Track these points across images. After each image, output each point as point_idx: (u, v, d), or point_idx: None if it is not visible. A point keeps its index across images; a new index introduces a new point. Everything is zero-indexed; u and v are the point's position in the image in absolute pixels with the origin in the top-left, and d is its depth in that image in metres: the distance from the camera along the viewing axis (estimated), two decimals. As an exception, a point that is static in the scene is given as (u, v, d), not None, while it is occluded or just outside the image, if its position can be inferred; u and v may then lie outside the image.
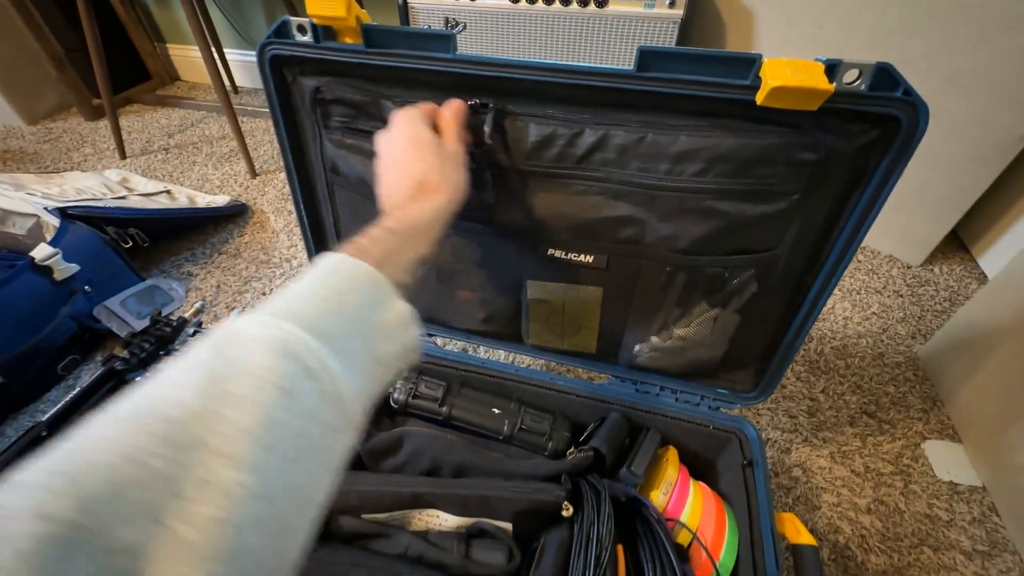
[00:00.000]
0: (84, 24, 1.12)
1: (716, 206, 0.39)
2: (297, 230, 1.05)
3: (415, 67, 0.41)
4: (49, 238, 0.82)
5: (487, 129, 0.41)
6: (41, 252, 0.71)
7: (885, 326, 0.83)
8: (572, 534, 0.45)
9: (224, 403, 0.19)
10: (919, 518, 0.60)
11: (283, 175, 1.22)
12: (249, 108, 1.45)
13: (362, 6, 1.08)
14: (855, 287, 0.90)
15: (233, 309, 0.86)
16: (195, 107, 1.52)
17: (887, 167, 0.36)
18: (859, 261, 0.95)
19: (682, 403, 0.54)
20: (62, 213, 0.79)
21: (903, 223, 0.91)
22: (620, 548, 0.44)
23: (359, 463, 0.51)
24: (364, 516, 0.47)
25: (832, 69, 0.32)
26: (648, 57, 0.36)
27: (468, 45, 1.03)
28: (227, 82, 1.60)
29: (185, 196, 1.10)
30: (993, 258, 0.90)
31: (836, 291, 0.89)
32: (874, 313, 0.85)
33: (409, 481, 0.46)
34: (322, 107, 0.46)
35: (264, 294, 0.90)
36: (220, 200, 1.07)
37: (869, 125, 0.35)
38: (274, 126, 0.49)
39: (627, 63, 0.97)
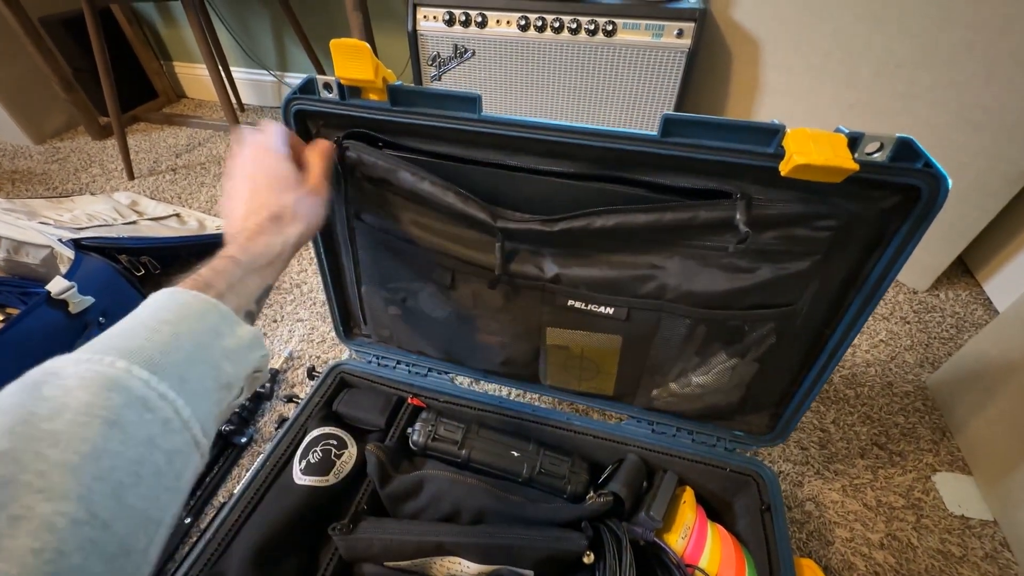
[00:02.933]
0: (94, 46, 1.13)
1: (738, 264, 0.40)
2: (305, 255, 1.05)
3: (439, 125, 0.42)
4: (64, 269, 0.82)
5: None
6: (57, 286, 0.72)
7: (893, 354, 0.84)
8: (593, 582, 0.45)
9: (41, 442, 0.20)
10: (932, 554, 0.60)
11: (291, 196, 1.22)
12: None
13: (372, 35, 1.09)
14: (862, 313, 0.90)
15: (245, 337, 0.86)
16: (202, 125, 1.52)
17: (907, 231, 0.36)
18: (866, 286, 0.96)
19: (698, 444, 0.54)
20: (76, 244, 0.79)
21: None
22: (642, 597, 0.44)
23: (380, 507, 0.52)
24: (387, 564, 0.47)
25: (855, 141, 0.33)
26: (672, 124, 0.36)
27: (477, 71, 1.04)
28: (233, 100, 1.61)
29: (195, 220, 1.10)
30: (998, 284, 0.91)
31: (844, 317, 0.90)
32: (882, 341, 0.86)
33: (432, 529, 0.47)
34: (347, 159, 0.47)
35: (275, 321, 0.90)
36: (230, 224, 1.08)
37: (890, 192, 0.36)
38: (297, 175, 0.49)
39: (635, 92, 0.98)
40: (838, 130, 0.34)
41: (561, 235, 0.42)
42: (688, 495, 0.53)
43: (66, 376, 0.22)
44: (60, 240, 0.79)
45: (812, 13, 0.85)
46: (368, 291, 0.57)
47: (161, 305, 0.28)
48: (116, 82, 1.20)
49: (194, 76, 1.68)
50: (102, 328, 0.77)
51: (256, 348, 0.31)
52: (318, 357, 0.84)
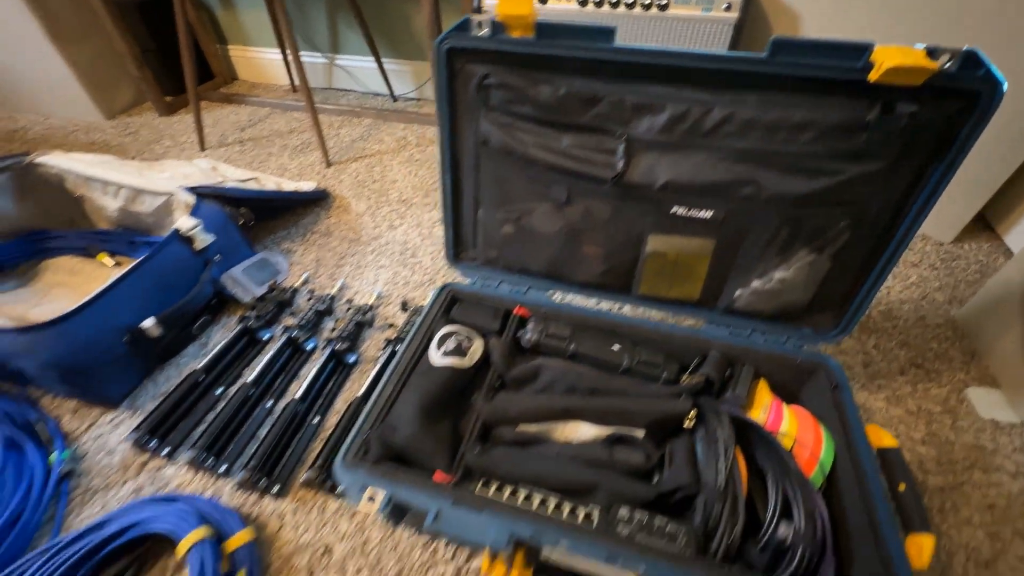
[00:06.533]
0: (179, 26, 1.22)
1: (824, 166, 0.49)
2: (379, 212, 1.14)
3: (576, 56, 0.51)
4: (178, 215, 0.91)
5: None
6: (186, 224, 0.81)
7: (924, 294, 0.93)
8: (693, 442, 0.54)
9: None
10: (968, 448, 0.69)
11: (355, 165, 1.32)
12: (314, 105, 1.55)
13: (439, 13, 1.18)
14: (894, 261, 1.00)
15: (336, 280, 0.96)
16: (259, 104, 1.62)
17: (967, 133, 0.45)
18: (895, 239, 1.05)
19: (771, 342, 0.63)
20: (194, 191, 0.88)
21: (936, 203, 1.01)
22: (738, 449, 0.53)
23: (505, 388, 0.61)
24: (519, 428, 0.56)
25: (931, 53, 0.42)
26: (778, 46, 0.45)
27: (535, 45, 1.13)
28: (288, 81, 1.71)
29: (272, 183, 1.19)
30: (1018, 235, 1.00)
31: (877, 265, 0.99)
32: (913, 283, 0.95)
33: (559, 398, 0.56)
34: (485, 90, 0.56)
35: (360, 267, 0.99)
36: (306, 185, 1.17)
37: (955, 99, 0.44)
38: (438, 104, 0.58)
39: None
40: (916, 46, 0.43)
41: (682, 138, 0.51)
42: (763, 383, 0.62)
43: None
44: (181, 187, 0.89)
45: (850, -12, 0.94)
46: (485, 213, 0.66)
47: None
48: (180, 63, 1.29)
49: (247, 59, 1.77)
50: (218, 265, 0.87)
51: None
52: (403, 296, 0.93)
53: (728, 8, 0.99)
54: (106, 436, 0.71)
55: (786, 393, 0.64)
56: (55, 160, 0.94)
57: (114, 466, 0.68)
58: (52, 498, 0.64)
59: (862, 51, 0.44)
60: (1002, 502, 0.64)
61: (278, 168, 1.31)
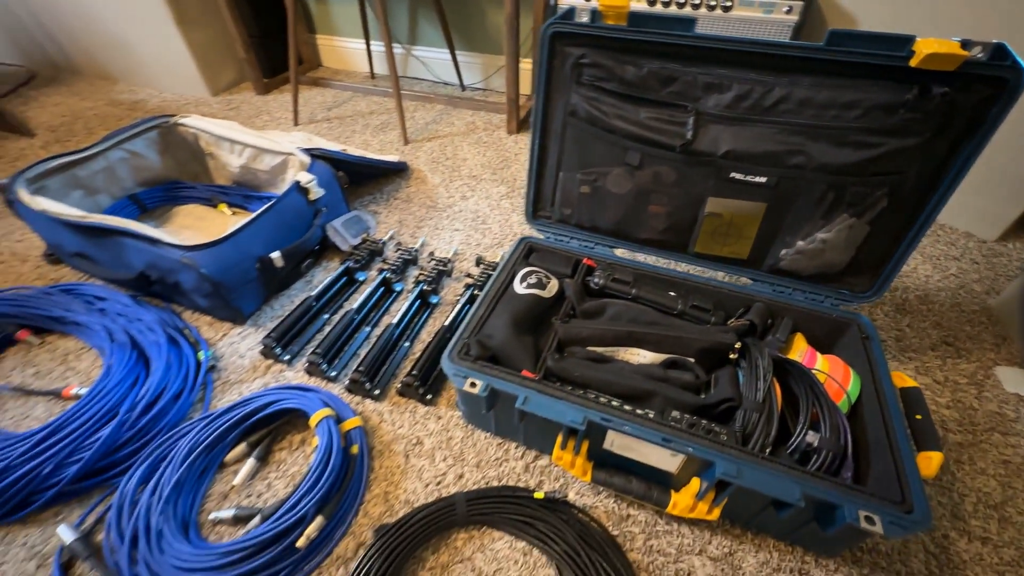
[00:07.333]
0: (289, 16, 1.40)
1: (867, 140, 0.58)
2: (452, 185, 1.28)
3: (661, 41, 0.62)
4: (292, 172, 1.07)
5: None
6: (304, 178, 0.96)
7: (962, 284, 0.98)
8: (736, 372, 0.64)
9: None
10: (990, 414, 0.76)
11: (429, 144, 1.46)
12: (390, 91, 1.71)
13: (519, 10, 1.31)
14: (935, 254, 1.05)
15: (417, 238, 1.09)
16: (343, 88, 1.79)
17: (994, 116, 0.54)
18: (938, 235, 1.10)
19: (810, 300, 0.72)
20: (308, 152, 1.04)
21: (980, 203, 1.06)
22: (774, 379, 0.62)
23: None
24: (588, 348, 0.67)
25: (965, 44, 0.51)
26: (835, 36, 0.55)
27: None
28: (367, 69, 1.88)
29: (359, 153, 1.35)
30: (1063, 237, 1.03)
31: (918, 255, 1.05)
32: (952, 274, 1.00)
33: (625, 325, 0.67)
34: (579, 69, 0.67)
35: (438, 229, 1.13)
36: (390, 157, 1.32)
37: (984, 85, 0.53)
38: (536, 79, 0.70)
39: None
40: (952, 39, 0.52)
41: (745, 113, 0.61)
42: (800, 336, 0.71)
43: None
44: (298, 148, 1.04)
45: (908, -5, 1.00)
46: (565, 176, 0.77)
47: None
48: (274, 48, 1.46)
49: (332, 47, 1.95)
50: (324, 216, 1.02)
51: None
52: (476, 254, 1.06)
53: (789, 11, 1.08)
54: (237, 344, 0.87)
55: (820, 346, 0.72)
56: (193, 121, 1.12)
57: (245, 367, 0.83)
58: (202, 384, 0.79)
59: (906, 41, 0.53)
60: (1017, 460, 0.70)
61: (362, 143, 1.47)
